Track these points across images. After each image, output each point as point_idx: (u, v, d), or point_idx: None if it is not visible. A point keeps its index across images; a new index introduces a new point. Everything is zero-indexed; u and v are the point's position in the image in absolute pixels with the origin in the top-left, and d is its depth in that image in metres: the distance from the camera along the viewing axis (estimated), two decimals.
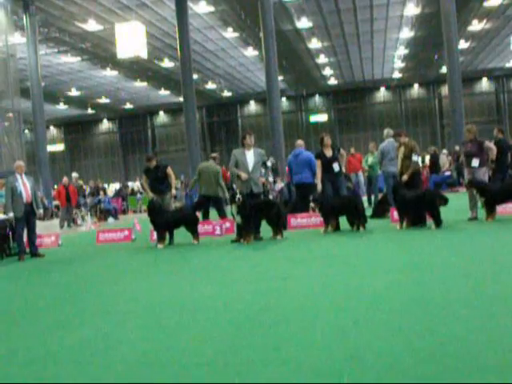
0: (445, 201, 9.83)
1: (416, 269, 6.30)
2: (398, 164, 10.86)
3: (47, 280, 8.08)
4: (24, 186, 10.88)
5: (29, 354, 4.14)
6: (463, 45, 36.46)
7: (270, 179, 19.34)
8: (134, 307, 5.50)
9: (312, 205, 10.69)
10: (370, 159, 16.48)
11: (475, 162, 10.42)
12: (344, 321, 4.31)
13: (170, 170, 11.40)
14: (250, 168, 10.40)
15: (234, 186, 10.52)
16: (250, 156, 10.48)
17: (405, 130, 11.25)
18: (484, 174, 10.57)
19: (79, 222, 21.02)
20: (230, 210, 10.42)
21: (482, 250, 7.45)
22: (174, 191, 11.50)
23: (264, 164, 10.84)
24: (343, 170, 11.52)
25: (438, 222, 9.62)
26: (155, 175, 11.17)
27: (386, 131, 13.19)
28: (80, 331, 4.69)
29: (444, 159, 24.19)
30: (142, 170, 11.98)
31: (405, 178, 10.48)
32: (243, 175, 10.30)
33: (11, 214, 10.84)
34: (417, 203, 9.84)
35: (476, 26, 34.24)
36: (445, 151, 26.70)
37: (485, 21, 33.73)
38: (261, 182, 10.74)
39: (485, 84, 49.89)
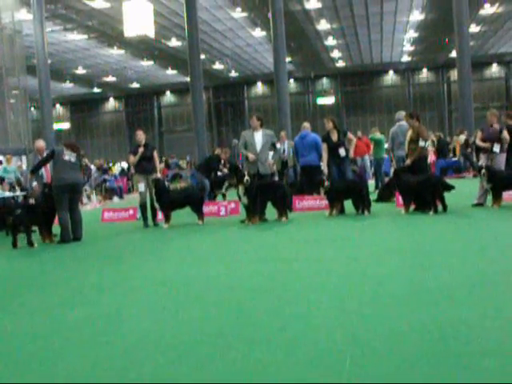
0: (448, 187, 9.80)
1: (420, 253, 6.30)
2: (405, 147, 10.76)
3: (52, 257, 8.11)
4: (45, 167, 10.73)
5: (33, 330, 4.16)
6: (474, 29, 36.00)
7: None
8: (137, 286, 5.52)
9: (327, 184, 10.31)
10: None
11: (496, 148, 10.33)
12: (348, 303, 4.31)
13: (155, 153, 11.13)
14: (258, 149, 10.44)
15: (240, 166, 10.48)
16: (259, 137, 10.54)
17: (418, 114, 10.73)
18: (503, 161, 10.47)
19: (85, 200, 21.06)
20: (236, 191, 10.39)
21: (487, 235, 7.44)
22: (158, 174, 11.14)
23: (273, 145, 10.81)
24: (351, 154, 11.36)
25: (444, 207, 9.65)
26: (143, 154, 10.83)
27: (396, 114, 12.97)
28: (83, 308, 4.71)
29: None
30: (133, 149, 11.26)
31: (408, 162, 10.40)
32: (250, 156, 10.35)
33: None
34: (419, 188, 9.79)
35: (488, 9, 33.75)
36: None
37: (497, 4, 33.25)
38: (269, 163, 10.70)
39: (495, 69, 49.41)
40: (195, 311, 4.38)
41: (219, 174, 14.98)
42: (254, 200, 9.96)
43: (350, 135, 11.32)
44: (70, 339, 3.86)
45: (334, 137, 11.05)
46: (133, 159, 10.95)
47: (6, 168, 17.23)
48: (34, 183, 10.68)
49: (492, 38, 41.78)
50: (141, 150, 10.83)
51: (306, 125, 13.58)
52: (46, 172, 10.80)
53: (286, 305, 4.38)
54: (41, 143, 11.20)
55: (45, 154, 10.67)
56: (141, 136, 11.04)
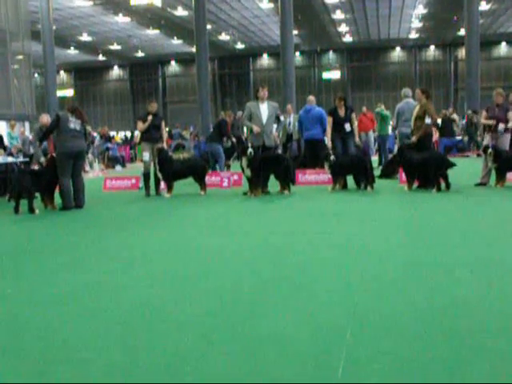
0: (449, 164, 9.78)
1: (422, 231, 6.30)
2: (411, 124, 10.71)
3: (54, 225, 8.13)
4: (49, 140, 10.67)
5: (34, 295, 4.18)
6: (484, 6, 35.46)
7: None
8: (139, 255, 5.52)
9: (333, 158, 10.27)
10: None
11: (501, 127, 10.25)
12: (348, 278, 4.32)
13: (163, 123, 11.19)
14: (264, 120, 10.37)
15: (243, 138, 10.44)
16: (264, 109, 10.46)
17: (428, 91, 10.60)
18: (507, 141, 10.40)
19: (87, 168, 21.04)
20: (239, 163, 10.37)
21: (489, 214, 7.43)
22: (164, 144, 11.14)
23: (277, 118, 10.76)
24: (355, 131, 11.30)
25: (447, 185, 9.68)
26: (152, 123, 10.90)
27: (403, 91, 12.86)
28: (85, 275, 4.72)
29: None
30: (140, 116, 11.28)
31: (413, 139, 10.36)
32: (255, 128, 10.28)
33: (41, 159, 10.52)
34: (423, 166, 9.78)
35: None
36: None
37: None
38: (274, 136, 10.65)
39: (503, 48, 48.82)
40: (196, 282, 4.39)
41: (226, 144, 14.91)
42: (257, 172, 9.95)
43: (352, 116, 11.24)
44: (68, 305, 3.87)
45: (342, 112, 11.02)
46: (142, 126, 10.94)
47: (10, 133, 17.24)
48: (42, 159, 10.63)
49: (502, 17, 41.20)
50: (150, 117, 10.84)
51: (312, 98, 13.51)
52: (50, 148, 10.74)
53: (286, 278, 4.39)
54: (45, 119, 11.13)
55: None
56: (154, 107, 11.11)
